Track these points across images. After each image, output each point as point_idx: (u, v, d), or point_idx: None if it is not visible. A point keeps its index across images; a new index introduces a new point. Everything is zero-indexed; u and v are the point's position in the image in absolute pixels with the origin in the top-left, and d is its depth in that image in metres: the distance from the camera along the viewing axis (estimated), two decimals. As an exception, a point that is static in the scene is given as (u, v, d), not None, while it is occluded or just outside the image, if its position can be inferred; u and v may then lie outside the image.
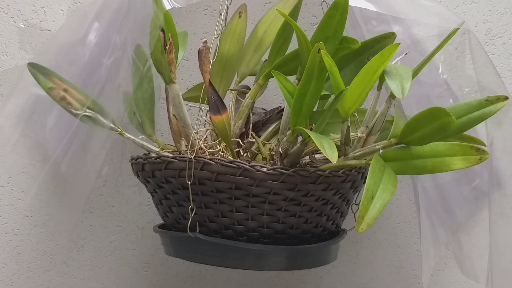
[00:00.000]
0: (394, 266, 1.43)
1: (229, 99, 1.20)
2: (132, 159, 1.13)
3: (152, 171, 1.08)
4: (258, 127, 1.17)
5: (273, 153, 1.11)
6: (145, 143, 1.19)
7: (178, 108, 1.09)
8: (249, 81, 1.24)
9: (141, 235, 1.40)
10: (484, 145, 1.07)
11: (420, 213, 1.22)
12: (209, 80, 1.03)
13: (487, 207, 1.24)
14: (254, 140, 1.14)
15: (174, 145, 1.19)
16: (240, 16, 1.18)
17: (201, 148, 1.10)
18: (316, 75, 0.97)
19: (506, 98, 1.00)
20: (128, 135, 1.18)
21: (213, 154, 1.10)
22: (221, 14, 1.13)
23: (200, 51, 1.04)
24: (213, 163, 1.02)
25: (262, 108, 1.21)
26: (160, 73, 1.10)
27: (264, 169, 1.01)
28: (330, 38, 1.05)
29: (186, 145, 1.13)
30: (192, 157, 1.03)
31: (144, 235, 1.40)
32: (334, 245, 1.12)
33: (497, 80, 1.10)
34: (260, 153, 1.13)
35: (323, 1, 1.18)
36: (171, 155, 1.11)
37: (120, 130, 1.18)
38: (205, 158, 1.03)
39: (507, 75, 1.37)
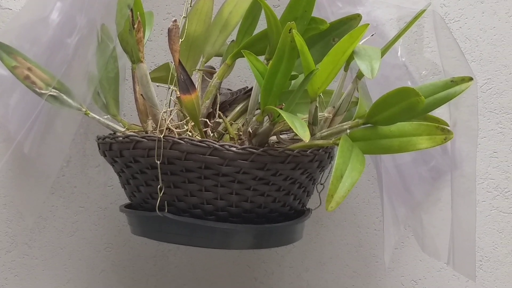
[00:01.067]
0: (353, 245, 1.45)
1: (195, 79, 1.20)
2: (98, 139, 1.13)
3: (120, 151, 1.08)
4: (225, 108, 1.18)
5: (241, 133, 1.11)
6: (110, 123, 1.18)
7: (146, 87, 1.09)
8: (214, 61, 1.24)
9: (103, 215, 1.40)
10: (448, 125, 1.09)
11: (382, 192, 1.24)
12: (179, 59, 1.03)
13: (444, 187, 1.27)
14: (221, 120, 1.14)
15: (139, 125, 1.20)
16: (207, -5, 1.18)
17: (169, 128, 1.10)
18: (287, 55, 0.98)
19: (470, 79, 1.03)
20: (94, 115, 1.17)
21: (180, 134, 1.11)
22: (187, -6, 1.13)
23: (170, 30, 1.03)
24: (183, 142, 1.02)
25: (228, 89, 1.21)
26: (127, 53, 1.10)
27: (234, 148, 1.02)
28: (299, 19, 1.06)
29: (153, 125, 1.13)
30: (161, 136, 1.03)
31: (107, 215, 1.40)
32: (300, 224, 1.14)
33: (462, 61, 1.12)
34: (227, 133, 1.14)
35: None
36: (137, 135, 1.12)
37: (85, 110, 1.17)
38: (174, 138, 1.03)
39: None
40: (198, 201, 1.06)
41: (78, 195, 1.38)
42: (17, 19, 1.24)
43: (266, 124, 1.05)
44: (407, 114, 0.99)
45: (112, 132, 1.17)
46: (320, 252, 1.45)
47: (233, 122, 1.16)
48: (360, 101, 1.12)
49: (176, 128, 1.10)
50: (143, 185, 1.09)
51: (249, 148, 1.02)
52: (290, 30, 0.96)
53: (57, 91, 1.16)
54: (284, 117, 0.94)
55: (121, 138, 1.07)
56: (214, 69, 1.28)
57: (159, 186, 1.05)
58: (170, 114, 1.13)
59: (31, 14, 1.23)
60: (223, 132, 1.15)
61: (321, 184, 1.19)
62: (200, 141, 1.02)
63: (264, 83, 0.99)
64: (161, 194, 1.05)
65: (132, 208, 1.16)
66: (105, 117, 1.19)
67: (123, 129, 1.18)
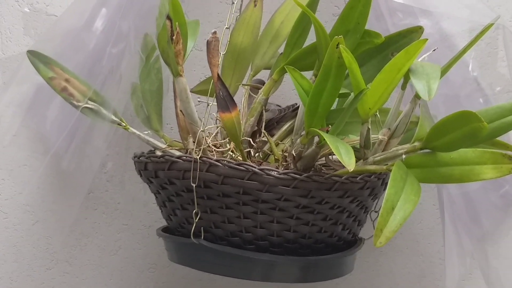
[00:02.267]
0: (416, 274, 1.34)
1: (241, 94, 1.11)
2: (135, 157, 1.06)
3: (155, 171, 1.00)
4: (272, 126, 1.09)
5: (286, 154, 1.02)
6: (150, 139, 1.11)
7: (185, 103, 1.01)
8: (264, 74, 1.15)
9: (147, 234, 1.32)
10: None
11: (444, 220, 1.13)
12: (218, 74, 0.94)
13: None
14: (266, 139, 1.05)
15: (181, 142, 1.12)
16: (255, 5, 1.09)
17: (209, 147, 1.02)
18: (334, 72, 0.88)
19: (542, 101, 0.91)
20: (133, 130, 1.10)
21: (222, 153, 1.02)
22: (233, 3, 1.04)
23: (208, 43, 0.95)
24: (220, 164, 0.94)
25: (277, 105, 1.12)
26: (167, 65, 1.03)
27: (275, 173, 0.93)
28: (351, 32, 0.96)
29: (193, 143, 1.05)
30: (198, 157, 0.95)
31: (151, 234, 1.32)
32: (349, 256, 1.04)
33: None
34: (272, 154, 1.05)
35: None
36: (177, 153, 1.04)
37: (125, 124, 1.10)
38: (211, 159, 0.94)
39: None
40: (236, 229, 0.97)
41: (121, 212, 1.32)
42: (58, 25, 1.17)
43: (313, 146, 0.95)
44: (469, 140, 0.88)
45: (152, 149, 1.10)
46: (379, 281, 1.34)
47: (279, 142, 1.07)
48: (420, 123, 1.01)
49: (218, 147, 1.02)
50: (179, 208, 1.01)
51: (292, 173, 0.93)
52: (337, 45, 0.86)
53: (93, 103, 1.09)
54: (328, 142, 0.85)
55: (156, 158, 1.00)
56: (263, 83, 1.19)
57: (194, 211, 0.97)
58: (212, 132, 1.05)
59: (73, 21, 1.16)
60: (269, 152, 1.06)
61: (375, 211, 1.08)
62: (238, 164, 0.93)
63: (308, 102, 0.90)
64: (196, 220, 0.97)
65: (169, 232, 1.08)
66: (145, 132, 1.12)
67: (164, 146, 1.10)
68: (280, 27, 1.12)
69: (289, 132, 1.08)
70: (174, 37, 0.98)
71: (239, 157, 1.01)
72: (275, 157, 1.02)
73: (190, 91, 1.21)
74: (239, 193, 0.94)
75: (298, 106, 1.07)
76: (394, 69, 0.90)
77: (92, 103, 1.09)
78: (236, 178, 0.93)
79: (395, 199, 0.88)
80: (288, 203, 0.94)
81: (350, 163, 0.83)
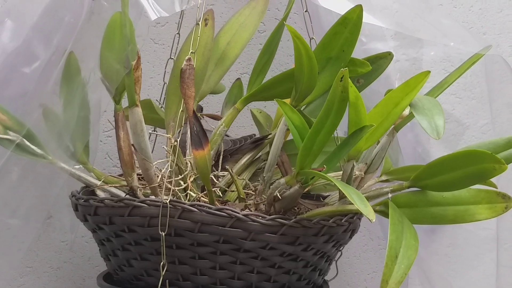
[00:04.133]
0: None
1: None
2: (78, 199, 0.90)
3: (109, 217, 0.86)
4: (225, 158, 0.98)
5: (253, 192, 0.92)
6: (83, 175, 0.96)
7: (140, 137, 0.88)
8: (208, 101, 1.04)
9: (55, 277, 1.16)
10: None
11: None
12: (193, 108, 0.83)
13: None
14: (224, 174, 0.95)
15: (117, 177, 0.99)
16: (206, 24, 0.97)
17: (160, 186, 0.90)
18: (336, 108, 0.79)
19: (535, 137, 0.87)
20: (62, 164, 0.95)
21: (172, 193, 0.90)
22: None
23: (182, 71, 0.83)
24: (196, 210, 0.82)
25: (226, 135, 1.01)
26: (113, 92, 0.89)
27: (261, 219, 0.82)
28: (334, 59, 0.88)
29: (139, 181, 0.93)
30: (167, 201, 0.82)
31: (59, 277, 1.16)
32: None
33: None
34: (231, 191, 0.94)
35: (305, 11, 0.99)
36: (117, 192, 0.91)
37: (51, 158, 0.95)
38: (184, 204, 0.82)
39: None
40: (209, 281, 0.86)
41: (25, 253, 1.14)
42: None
43: (295, 186, 0.85)
44: (472, 181, 0.83)
45: (84, 186, 0.96)
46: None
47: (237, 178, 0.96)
48: (387, 155, 0.95)
49: (176, 186, 0.89)
50: (136, 258, 0.88)
51: (279, 219, 0.83)
52: (341, 78, 0.77)
53: (15, 134, 0.93)
54: (341, 189, 0.76)
55: (111, 201, 0.86)
56: (201, 109, 1.08)
57: (162, 263, 0.84)
58: (166, 167, 0.92)
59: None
60: (225, 188, 0.95)
61: (339, 250, 1.00)
62: (218, 209, 0.82)
63: (305, 141, 0.80)
64: (163, 273, 0.84)
65: (116, 284, 0.94)
66: (77, 167, 0.97)
67: (96, 181, 0.96)
68: (227, 48, 1.01)
69: (247, 166, 0.98)
70: (134, 63, 0.85)
71: (202, 198, 0.89)
72: (240, 195, 0.92)
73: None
74: (218, 242, 0.83)
75: (259, 138, 0.98)
76: (390, 103, 0.83)
77: (14, 134, 0.93)
78: (216, 226, 0.82)
79: (398, 246, 0.80)
80: (272, 251, 0.84)
81: (368, 211, 0.74)
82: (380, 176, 0.97)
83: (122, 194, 0.95)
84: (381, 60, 0.95)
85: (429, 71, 0.82)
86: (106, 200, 0.86)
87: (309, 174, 0.82)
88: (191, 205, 0.82)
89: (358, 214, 0.91)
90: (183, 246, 0.84)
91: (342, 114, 0.80)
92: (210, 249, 0.84)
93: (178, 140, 0.88)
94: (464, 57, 0.90)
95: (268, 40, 0.94)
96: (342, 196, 0.89)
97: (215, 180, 0.93)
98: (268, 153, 0.98)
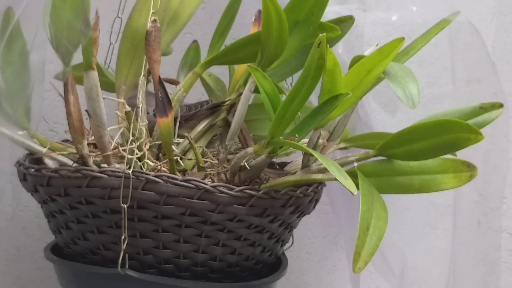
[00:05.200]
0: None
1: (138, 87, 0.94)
2: (27, 168, 0.84)
3: (64, 188, 0.81)
4: (180, 124, 0.93)
5: (212, 161, 0.89)
6: (26, 141, 0.90)
7: (95, 102, 0.83)
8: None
9: None
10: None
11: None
12: (159, 74, 0.78)
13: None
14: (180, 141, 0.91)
15: (63, 143, 0.93)
16: (160, -19, 0.91)
17: (114, 155, 0.85)
18: (312, 75, 0.76)
19: (501, 105, 0.86)
20: (2, 129, 0.89)
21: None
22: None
23: (148, 33, 0.78)
24: (161, 181, 0.78)
25: (179, 100, 0.96)
26: (63, 53, 0.83)
27: (229, 190, 0.79)
28: (302, 23, 0.84)
29: (89, 148, 0.88)
30: (130, 172, 0.77)
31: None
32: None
33: (496, 86, 0.95)
34: (187, 159, 0.90)
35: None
36: (65, 160, 0.86)
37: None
38: (148, 174, 0.78)
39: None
40: (172, 255, 0.82)
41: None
42: None
43: (262, 155, 0.82)
44: (444, 150, 0.81)
45: (28, 153, 0.90)
46: None
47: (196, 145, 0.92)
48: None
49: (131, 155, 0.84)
50: (93, 231, 0.83)
51: (248, 190, 0.79)
52: (319, 44, 0.74)
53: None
54: (321, 160, 0.73)
55: (67, 171, 0.80)
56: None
57: (123, 237, 0.79)
58: (118, 134, 0.88)
59: None
60: (181, 156, 0.91)
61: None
62: (185, 180, 0.78)
63: (279, 110, 0.76)
64: (124, 246, 0.80)
65: (67, 257, 0.88)
66: (20, 133, 0.91)
67: (41, 148, 0.90)
68: (179, 8, 0.95)
69: (204, 132, 0.93)
70: (94, 23, 0.79)
71: (163, 168, 0.85)
72: (200, 164, 0.88)
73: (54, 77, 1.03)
74: (184, 215, 0.79)
75: (217, 104, 0.94)
76: (362, 70, 0.80)
77: None
78: (183, 197, 0.78)
79: (369, 217, 0.78)
80: (239, 223, 0.81)
81: (349, 184, 0.72)
82: (339, 143, 0.94)
83: (70, 162, 0.90)
84: (342, 24, 0.92)
85: (403, 38, 0.79)
86: (61, 170, 0.81)
87: (282, 144, 0.79)
88: (156, 176, 0.78)
89: (322, 184, 0.89)
90: (146, 219, 0.80)
91: (317, 81, 0.77)
92: (174, 222, 0.80)
93: (141, 106, 0.83)
94: (428, 23, 0.88)
95: (230, 2, 0.90)
96: (305, 165, 0.87)
97: (175, 149, 0.88)
98: (224, 119, 0.95)
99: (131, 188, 0.77)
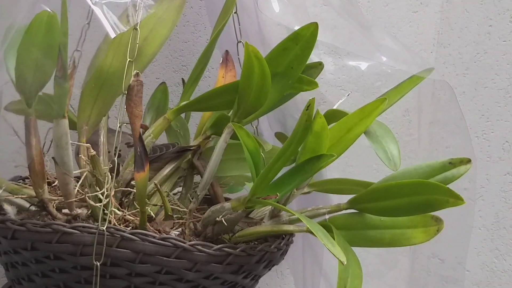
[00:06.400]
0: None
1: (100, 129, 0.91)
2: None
3: (31, 243, 0.77)
4: (143, 167, 0.90)
5: (180, 208, 0.86)
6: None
7: (64, 150, 0.80)
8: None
9: None
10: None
11: None
12: (140, 131, 0.75)
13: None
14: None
15: (19, 184, 0.89)
16: (129, 21, 0.88)
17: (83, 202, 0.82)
18: (298, 137, 0.75)
19: (469, 161, 0.87)
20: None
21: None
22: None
23: (130, 88, 0.75)
24: (137, 239, 0.75)
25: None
26: (27, 95, 0.79)
27: (207, 249, 0.77)
28: (280, 75, 0.82)
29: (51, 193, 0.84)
30: (104, 228, 0.74)
31: None
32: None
33: (465, 141, 0.96)
34: (156, 205, 0.88)
35: (235, 13, 0.93)
36: (53, 211, 0.82)
37: None
38: (124, 232, 0.75)
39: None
40: (143, 311, 0.80)
41: None
42: None
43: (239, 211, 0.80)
44: (419, 210, 0.81)
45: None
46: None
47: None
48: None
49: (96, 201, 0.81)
50: (59, 286, 0.79)
51: (226, 248, 0.78)
52: (308, 107, 0.73)
53: None
54: (309, 226, 0.72)
55: (34, 225, 0.76)
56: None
57: (93, 295, 0.76)
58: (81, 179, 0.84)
59: None
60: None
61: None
62: (163, 239, 0.75)
63: (264, 171, 0.75)
64: (94, 306, 0.77)
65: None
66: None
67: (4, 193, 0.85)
68: (144, 44, 0.92)
69: (169, 176, 0.91)
70: (70, 71, 0.75)
71: (130, 217, 0.82)
72: (168, 212, 0.85)
73: (4, 108, 0.98)
74: (160, 273, 0.77)
75: (183, 148, 0.91)
76: (343, 128, 0.80)
77: None
78: (160, 256, 0.75)
79: (346, 277, 0.79)
80: (215, 281, 0.79)
81: (338, 252, 0.71)
82: (303, 188, 0.94)
83: (27, 205, 0.85)
84: (311, 70, 0.91)
85: (385, 98, 0.79)
86: (28, 223, 0.77)
87: (263, 204, 0.77)
88: (132, 233, 0.75)
89: (292, 235, 0.88)
90: (119, 276, 0.77)
91: (302, 142, 0.76)
92: (148, 279, 0.77)
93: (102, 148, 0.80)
94: (397, 75, 0.89)
95: (206, 47, 0.87)
96: (275, 215, 0.86)
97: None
98: (188, 162, 0.93)
99: (105, 246, 0.74)
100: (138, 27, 0.82)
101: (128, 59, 0.79)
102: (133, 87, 0.74)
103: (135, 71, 0.76)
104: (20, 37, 0.78)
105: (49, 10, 0.75)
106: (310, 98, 0.73)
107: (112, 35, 0.79)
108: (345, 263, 0.71)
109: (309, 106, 0.73)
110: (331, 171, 0.93)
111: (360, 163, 0.98)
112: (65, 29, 0.75)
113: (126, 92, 0.75)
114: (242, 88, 0.81)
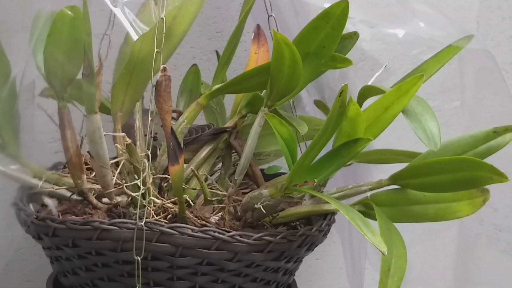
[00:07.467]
0: None
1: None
2: (28, 215, 0.80)
3: (72, 240, 0.77)
4: (180, 149, 0.89)
5: (219, 191, 0.86)
6: (22, 176, 0.85)
7: (98, 144, 0.79)
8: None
9: None
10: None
11: None
12: (172, 125, 0.74)
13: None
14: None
15: (59, 174, 0.89)
16: (156, 3, 0.86)
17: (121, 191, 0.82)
18: (333, 123, 0.73)
19: (515, 128, 0.84)
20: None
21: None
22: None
23: (158, 84, 0.73)
24: (176, 232, 0.75)
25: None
26: (56, 87, 0.78)
27: (246, 239, 0.76)
28: (312, 55, 0.80)
29: (91, 185, 0.84)
30: (143, 224, 0.74)
31: None
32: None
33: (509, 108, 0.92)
34: (194, 189, 0.87)
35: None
36: (94, 201, 0.82)
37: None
38: (162, 226, 0.75)
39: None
40: (187, 301, 0.80)
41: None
42: None
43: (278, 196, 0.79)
44: (462, 186, 0.79)
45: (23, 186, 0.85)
46: None
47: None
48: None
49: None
50: (103, 279, 0.80)
51: (266, 236, 0.77)
52: (341, 93, 0.71)
53: None
54: (347, 216, 0.70)
55: (74, 224, 0.76)
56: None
57: (137, 287, 0.77)
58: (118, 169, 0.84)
59: None
60: (184, 186, 0.87)
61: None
62: (201, 231, 0.75)
63: (301, 158, 0.74)
64: (138, 295, 0.77)
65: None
66: (13, 167, 0.86)
67: (35, 182, 0.85)
68: (172, 23, 0.90)
69: (207, 158, 0.90)
70: (98, 69, 0.75)
71: (168, 205, 0.81)
72: (207, 197, 0.84)
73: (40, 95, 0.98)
74: (201, 264, 0.76)
75: (220, 129, 0.90)
76: (379, 107, 0.77)
77: None
78: (200, 249, 0.75)
79: (389, 258, 0.77)
80: (257, 268, 0.79)
81: (378, 242, 0.70)
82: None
83: (68, 194, 0.86)
84: (346, 40, 0.88)
85: (422, 75, 0.76)
86: (68, 222, 0.77)
87: (300, 191, 0.76)
88: (170, 228, 0.75)
89: (334, 214, 0.87)
90: (161, 269, 0.77)
91: (337, 128, 0.74)
92: (190, 271, 0.78)
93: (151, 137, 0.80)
94: (437, 42, 0.85)
95: (235, 29, 0.85)
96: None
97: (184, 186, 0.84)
98: (225, 141, 0.91)
99: (144, 241, 0.74)
100: (164, 16, 0.79)
101: (156, 50, 0.77)
102: (161, 83, 0.73)
103: (162, 65, 0.74)
104: (48, 28, 0.77)
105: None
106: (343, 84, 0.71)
107: (134, 36, 0.78)
108: (386, 254, 0.69)
109: (342, 92, 0.70)
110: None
111: (400, 133, 0.95)
112: (88, 29, 0.74)
113: (154, 86, 0.74)
114: (273, 73, 0.79)
